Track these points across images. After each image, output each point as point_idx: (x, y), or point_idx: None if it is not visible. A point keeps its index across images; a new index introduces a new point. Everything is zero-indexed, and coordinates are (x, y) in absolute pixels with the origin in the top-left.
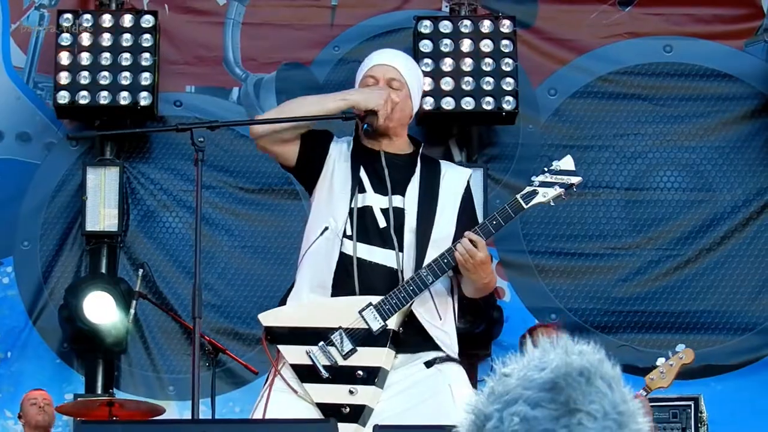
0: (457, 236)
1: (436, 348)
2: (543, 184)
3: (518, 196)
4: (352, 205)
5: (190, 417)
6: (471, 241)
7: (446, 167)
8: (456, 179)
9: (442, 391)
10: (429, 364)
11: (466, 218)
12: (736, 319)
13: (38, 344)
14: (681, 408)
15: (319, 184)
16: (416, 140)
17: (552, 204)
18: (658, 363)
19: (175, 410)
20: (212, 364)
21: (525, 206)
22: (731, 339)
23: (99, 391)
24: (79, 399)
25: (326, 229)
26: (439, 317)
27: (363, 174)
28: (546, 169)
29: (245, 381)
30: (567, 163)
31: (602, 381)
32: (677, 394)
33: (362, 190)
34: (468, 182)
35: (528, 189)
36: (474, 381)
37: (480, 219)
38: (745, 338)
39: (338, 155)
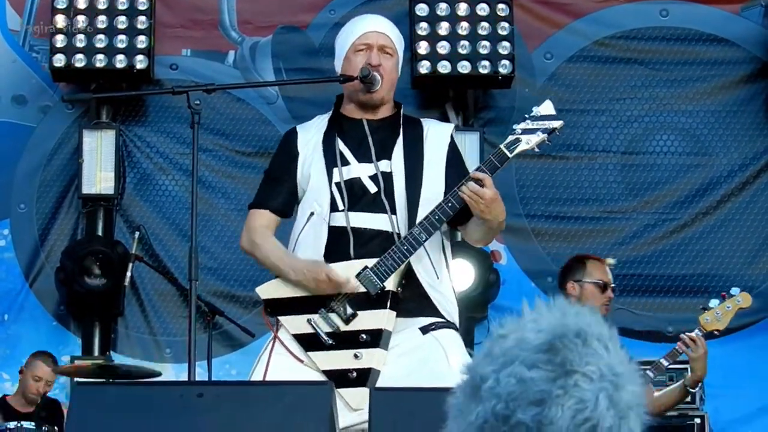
0: (448, 190)
1: (434, 313)
2: (525, 131)
3: (502, 145)
4: (338, 180)
5: (186, 379)
6: (477, 179)
7: (428, 125)
8: (439, 136)
9: (437, 358)
10: (425, 330)
11: (453, 172)
12: (733, 282)
13: (35, 307)
14: (677, 371)
15: (300, 186)
16: (396, 102)
17: (537, 150)
18: (711, 305)
19: (171, 373)
20: (209, 326)
21: (510, 155)
22: None
23: (96, 354)
24: (75, 362)
25: (312, 214)
26: (436, 276)
27: (343, 146)
28: (526, 116)
29: (242, 344)
30: (547, 107)
31: (598, 342)
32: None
33: (345, 163)
34: (451, 136)
35: (511, 138)
36: (471, 344)
37: None
38: None
39: (308, 146)
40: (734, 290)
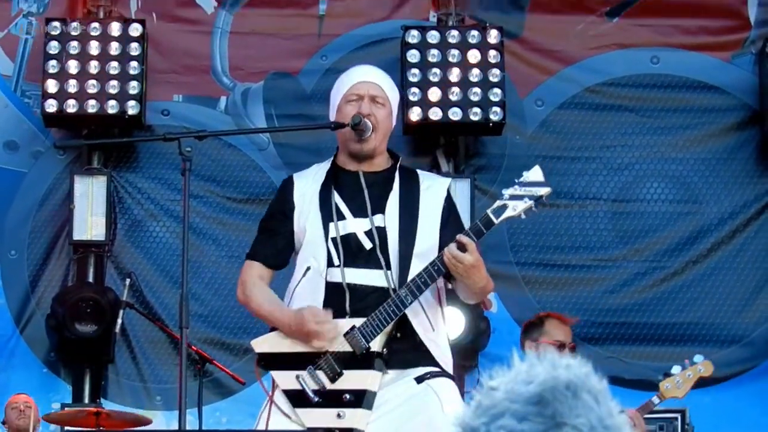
0: (442, 247)
1: (430, 362)
2: (513, 197)
3: (488, 210)
4: (334, 235)
5: (177, 427)
6: (461, 244)
7: (424, 178)
8: (435, 190)
9: (431, 406)
10: (420, 379)
11: (450, 228)
12: (723, 331)
13: (25, 353)
14: (668, 420)
15: (297, 238)
16: (394, 153)
17: (523, 216)
18: (673, 371)
19: (162, 420)
20: (199, 374)
21: (495, 221)
22: (718, 351)
23: (86, 401)
24: (66, 409)
25: (308, 269)
26: (431, 328)
27: (339, 200)
28: (516, 181)
29: (232, 391)
30: (536, 174)
31: (589, 395)
32: (664, 406)
33: (341, 217)
34: (448, 191)
35: (498, 203)
36: (461, 392)
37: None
38: (732, 350)
39: (305, 198)
40: (697, 358)
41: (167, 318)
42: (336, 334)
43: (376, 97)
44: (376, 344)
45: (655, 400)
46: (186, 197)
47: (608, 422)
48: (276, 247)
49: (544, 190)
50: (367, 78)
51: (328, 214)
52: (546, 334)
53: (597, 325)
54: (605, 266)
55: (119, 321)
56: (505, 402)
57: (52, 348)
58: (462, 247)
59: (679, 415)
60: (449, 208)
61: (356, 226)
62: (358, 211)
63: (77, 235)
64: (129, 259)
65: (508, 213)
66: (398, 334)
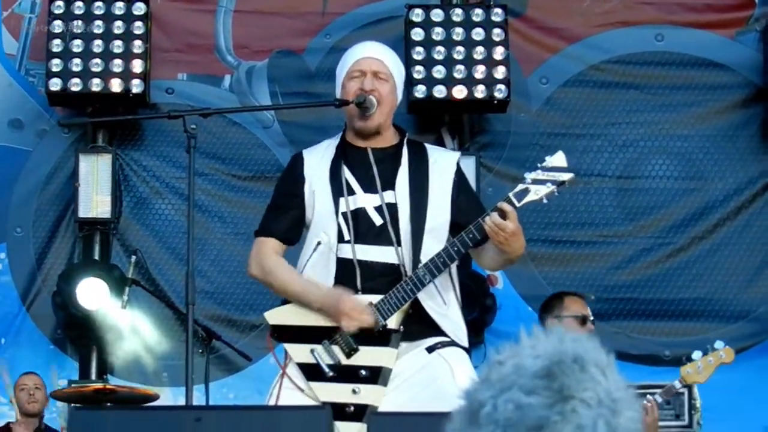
0: (455, 220)
1: (440, 333)
2: (535, 182)
3: (510, 194)
4: (344, 210)
5: (184, 403)
6: (502, 211)
7: (433, 152)
8: (445, 165)
9: (443, 374)
10: (431, 349)
11: (462, 201)
12: (729, 306)
13: (32, 330)
14: (675, 395)
15: (307, 213)
16: (401, 129)
17: (545, 201)
18: (694, 357)
19: (169, 396)
20: (206, 350)
21: (518, 204)
22: (724, 326)
23: (93, 377)
24: (73, 385)
25: (319, 243)
26: (443, 302)
27: (349, 175)
28: (538, 166)
29: (239, 367)
30: (559, 159)
31: (596, 368)
32: (671, 381)
33: (351, 192)
34: (458, 164)
35: (520, 186)
36: None
37: None
38: (738, 325)
39: (315, 173)
40: (718, 344)
41: (173, 295)
42: (370, 322)
43: (378, 72)
44: (393, 322)
45: (677, 384)
46: (191, 175)
47: (616, 395)
48: (289, 222)
49: (567, 176)
50: (369, 54)
51: (338, 188)
52: (567, 309)
53: (603, 300)
54: (611, 242)
55: (125, 298)
56: (512, 376)
57: (59, 325)
58: (503, 215)
59: (685, 390)
60: (460, 182)
61: (366, 200)
62: (368, 187)
63: (83, 213)
64: (134, 237)
65: (531, 197)
66: (410, 311)
